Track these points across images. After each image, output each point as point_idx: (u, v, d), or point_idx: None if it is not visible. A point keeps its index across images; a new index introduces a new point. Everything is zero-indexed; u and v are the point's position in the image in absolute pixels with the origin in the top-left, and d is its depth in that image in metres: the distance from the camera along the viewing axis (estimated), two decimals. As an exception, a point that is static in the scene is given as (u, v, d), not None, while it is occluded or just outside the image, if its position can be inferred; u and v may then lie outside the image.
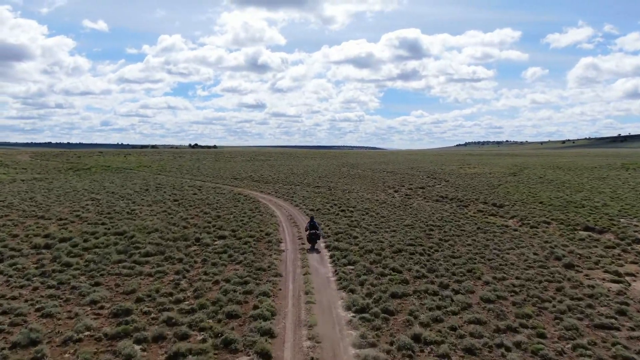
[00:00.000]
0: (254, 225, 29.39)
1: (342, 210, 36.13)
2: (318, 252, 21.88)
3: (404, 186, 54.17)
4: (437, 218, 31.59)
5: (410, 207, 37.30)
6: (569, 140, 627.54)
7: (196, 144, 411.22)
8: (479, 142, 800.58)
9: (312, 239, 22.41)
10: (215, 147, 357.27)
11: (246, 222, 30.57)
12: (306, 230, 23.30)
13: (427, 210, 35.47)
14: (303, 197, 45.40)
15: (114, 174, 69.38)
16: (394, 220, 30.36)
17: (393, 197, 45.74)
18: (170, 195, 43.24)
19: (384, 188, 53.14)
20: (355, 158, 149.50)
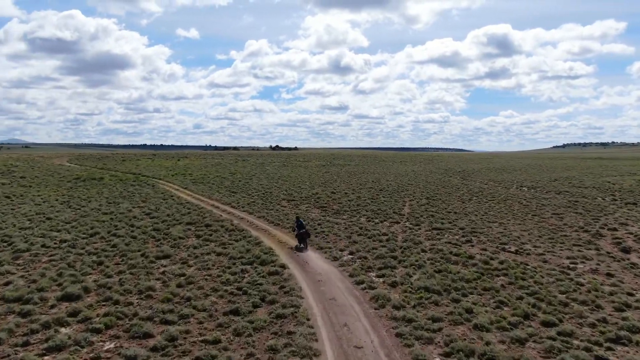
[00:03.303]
0: None
1: None
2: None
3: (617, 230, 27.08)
4: None
5: None
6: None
7: (277, 146, 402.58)
8: (579, 144, 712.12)
9: (303, 238, 21.58)
10: (296, 148, 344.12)
11: None
12: (293, 230, 22.66)
13: None
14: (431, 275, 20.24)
15: (124, 186, 49.39)
16: None
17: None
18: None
19: (578, 230, 26.63)
20: (453, 162, 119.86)
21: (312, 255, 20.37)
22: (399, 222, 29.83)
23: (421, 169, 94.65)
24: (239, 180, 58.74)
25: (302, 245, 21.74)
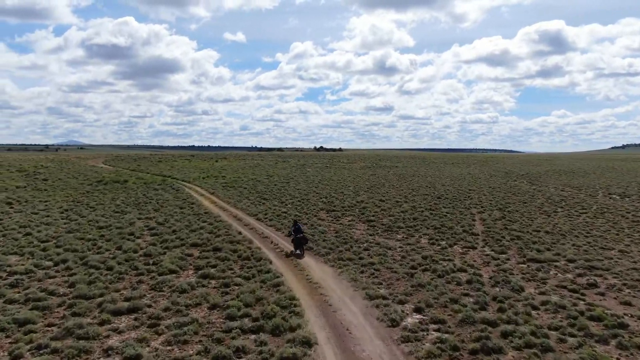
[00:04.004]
0: None
1: None
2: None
3: None
4: None
5: None
6: None
7: (321, 147, 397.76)
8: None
9: (300, 243, 19.66)
10: (340, 149, 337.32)
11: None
12: (289, 235, 20.68)
13: None
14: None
15: (146, 190, 43.99)
16: None
17: None
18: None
19: None
20: (510, 163, 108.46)
21: (359, 317, 13.00)
22: (475, 247, 21.87)
23: (477, 171, 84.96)
24: (274, 185, 52.24)
25: (298, 252, 19.85)
